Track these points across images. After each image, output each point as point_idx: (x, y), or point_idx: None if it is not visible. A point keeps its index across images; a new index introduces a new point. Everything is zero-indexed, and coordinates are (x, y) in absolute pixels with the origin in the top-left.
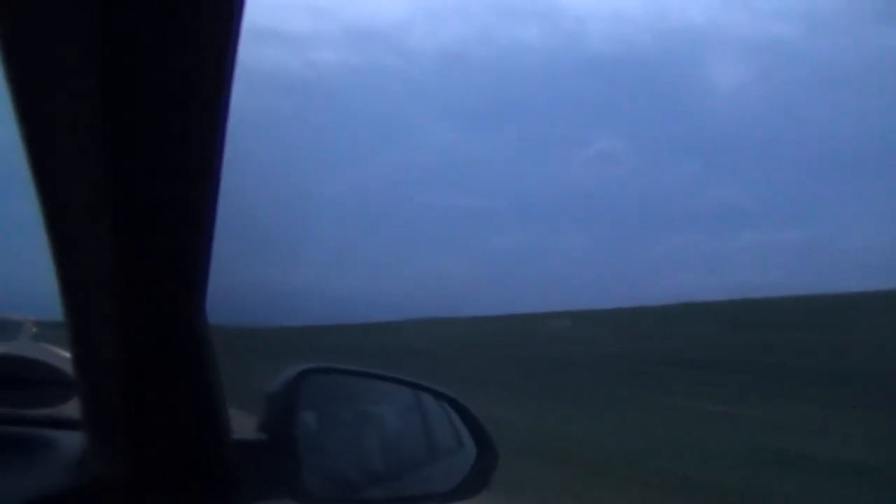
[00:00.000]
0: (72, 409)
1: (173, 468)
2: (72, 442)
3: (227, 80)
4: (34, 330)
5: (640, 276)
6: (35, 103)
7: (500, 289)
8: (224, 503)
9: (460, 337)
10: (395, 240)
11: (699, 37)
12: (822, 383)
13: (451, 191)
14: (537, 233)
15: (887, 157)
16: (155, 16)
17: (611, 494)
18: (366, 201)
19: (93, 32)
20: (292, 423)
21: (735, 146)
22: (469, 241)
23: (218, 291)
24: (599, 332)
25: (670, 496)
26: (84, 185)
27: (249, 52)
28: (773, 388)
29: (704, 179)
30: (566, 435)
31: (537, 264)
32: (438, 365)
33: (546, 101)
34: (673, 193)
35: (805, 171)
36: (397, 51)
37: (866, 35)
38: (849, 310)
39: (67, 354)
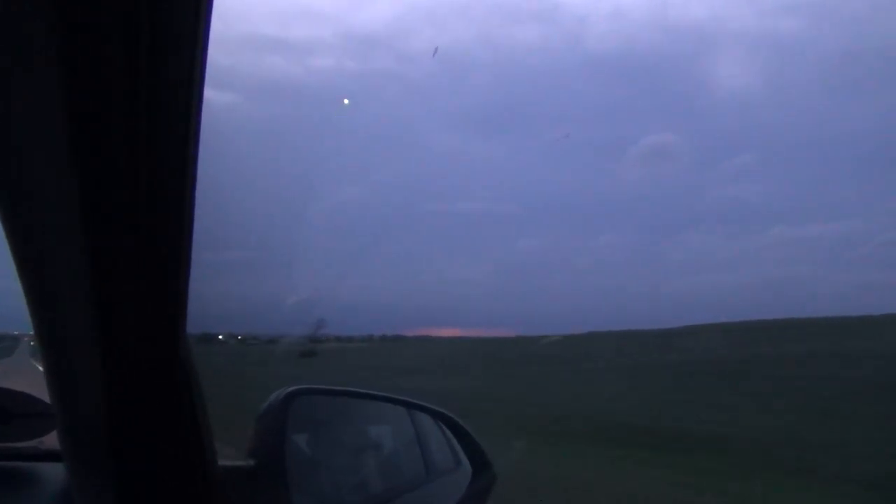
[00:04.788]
0: (55, 440)
1: (158, 499)
2: (55, 474)
3: (199, 87)
4: (31, 344)
5: (665, 275)
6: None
7: (516, 303)
8: None
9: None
10: (405, 248)
11: (707, 32)
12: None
13: (460, 196)
14: (557, 237)
15: None
16: (119, 22)
17: None
18: (373, 209)
19: (52, 42)
20: (281, 447)
21: (765, 142)
22: (486, 248)
23: (219, 304)
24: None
25: None
26: (53, 200)
27: (249, 61)
28: None
29: (725, 178)
30: None
31: (557, 272)
32: None
33: (552, 102)
34: (693, 192)
35: (829, 166)
36: (398, 56)
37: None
38: None
39: None
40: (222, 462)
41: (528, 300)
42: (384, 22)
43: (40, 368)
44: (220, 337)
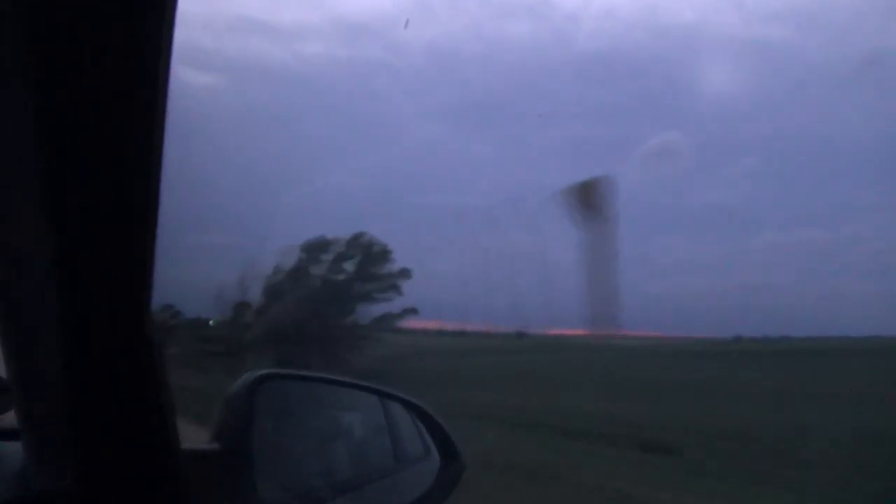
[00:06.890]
0: (11, 418)
1: (119, 479)
2: (9, 453)
3: (164, 78)
4: None
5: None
6: None
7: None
8: None
9: None
10: (389, 238)
11: (695, 36)
12: None
13: (442, 188)
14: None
15: None
16: (86, 13)
17: None
18: (358, 198)
19: (23, 29)
20: (248, 431)
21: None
22: (469, 242)
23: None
24: None
25: None
26: (17, 183)
27: (234, 44)
28: None
29: (715, 184)
30: None
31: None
32: None
33: (541, 99)
34: (682, 196)
35: (827, 171)
36: (386, 45)
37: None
38: None
39: None
40: (187, 445)
41: (506, 296)
42: (372, 10)
43: None
44: (211, 322)
